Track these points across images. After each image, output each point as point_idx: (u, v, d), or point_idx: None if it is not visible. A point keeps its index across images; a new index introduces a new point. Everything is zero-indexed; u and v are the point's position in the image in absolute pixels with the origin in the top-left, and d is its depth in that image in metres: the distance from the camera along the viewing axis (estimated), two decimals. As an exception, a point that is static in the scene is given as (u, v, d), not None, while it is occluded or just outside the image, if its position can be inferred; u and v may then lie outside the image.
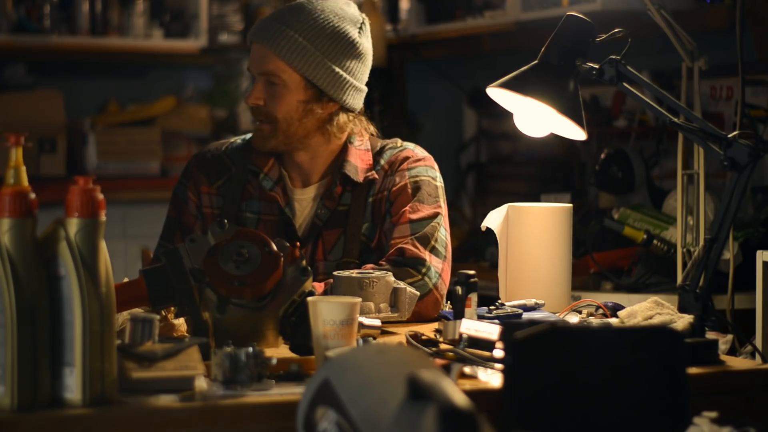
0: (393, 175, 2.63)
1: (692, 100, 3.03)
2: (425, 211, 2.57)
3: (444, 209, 2.61)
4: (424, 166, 2.65)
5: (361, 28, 2.61)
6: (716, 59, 3.19)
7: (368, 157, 2.65)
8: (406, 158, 2.65)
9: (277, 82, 2.55)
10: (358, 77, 2.60)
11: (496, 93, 2.37)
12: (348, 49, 2.57)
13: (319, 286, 2.40)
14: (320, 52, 2.54)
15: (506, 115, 2.55)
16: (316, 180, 2.65)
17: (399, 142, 2.70)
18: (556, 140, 4.37)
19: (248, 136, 2.71)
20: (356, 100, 2.61)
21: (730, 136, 2.16)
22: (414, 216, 2.56)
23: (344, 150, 2.64)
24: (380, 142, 2.68)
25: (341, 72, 2.56)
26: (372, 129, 2.67)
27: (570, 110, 2.30)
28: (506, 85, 2.34)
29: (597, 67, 2.27)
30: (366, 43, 2.61)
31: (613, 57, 2.26)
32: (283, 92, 2.55)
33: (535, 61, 2.34)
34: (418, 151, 2.68)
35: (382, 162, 2.65)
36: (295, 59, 2.53)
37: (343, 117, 2.60)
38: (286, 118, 2.56)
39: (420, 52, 5.19)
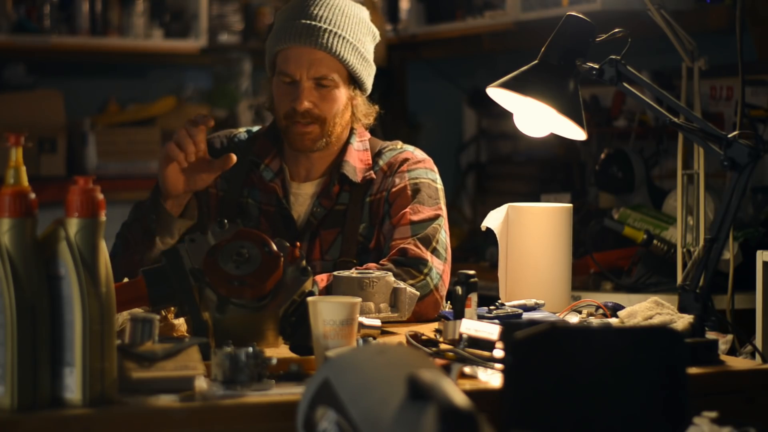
0: (392, 177, 2.62)
1: (692, 100, 3.02)
2: (426, 212, 2.57)
3: (444, 212, 2.61)
4: (424, 168, 2.64)
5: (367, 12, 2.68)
6: (716, 59, 3.19)
7: (367, 157, 2.65)
8: (406, 160, 2.64)
9: (329, 84, 2.55)
10: (373, 59, 2.66)
11: (496, 93, 2.37)
12: (371, 36, 2.63)
13: (321, 280, 2.40)
14: (360, 45, 2.58)
15: (506, 115, 2.55)
16: (317, 176, 2.65)
17: (399, 144, 2.69)
18: (556, 140, 4.37)
19: (255, 128, 2.73)
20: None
21: (730, 136, 2.16)
22: (415, 217, 2.56)
23: (344, 150, 2.64)
24: (380, 143, 2.68)
25: (370, 59, 2.62)
26: (377, 110, 2.67)
27: (570, 110, 2.30)
28: (506, 85, 2.34)
29: (597, 67, 2.27)
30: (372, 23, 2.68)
31: (613, 57, 2.26)
32: (335, 92, 2.56)
33: (535, 61, 2.34)
34: (418, 153, 2.67)
35: (381, 163, 2.65)
36: (350, 58, 2.55)
37: (363, 100, 2.63)
38: (335, 116, 2.57)
39: (420, 52, 5.19)
